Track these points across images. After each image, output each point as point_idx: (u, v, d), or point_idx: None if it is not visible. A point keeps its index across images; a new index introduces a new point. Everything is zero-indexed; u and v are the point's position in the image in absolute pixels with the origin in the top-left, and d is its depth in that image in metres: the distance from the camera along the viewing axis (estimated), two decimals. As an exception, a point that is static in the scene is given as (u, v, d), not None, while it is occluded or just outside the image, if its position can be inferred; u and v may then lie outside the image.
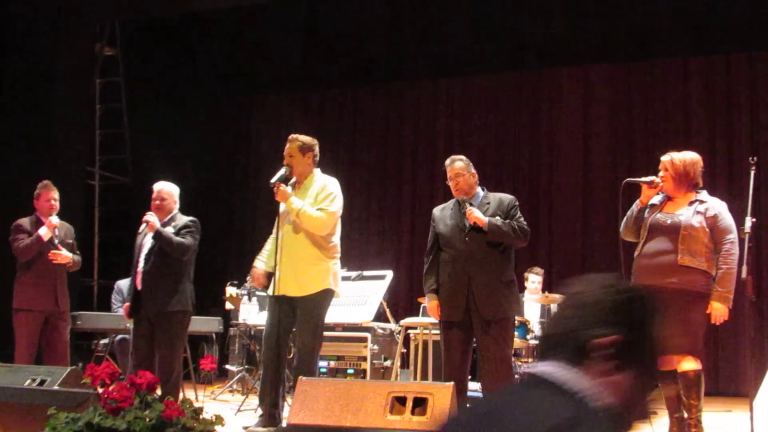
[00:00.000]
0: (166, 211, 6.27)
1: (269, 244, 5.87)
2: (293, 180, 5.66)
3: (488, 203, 5.37)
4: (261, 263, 5.84)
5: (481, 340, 5.28)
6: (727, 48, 10.79)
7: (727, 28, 10.54)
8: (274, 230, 5.84)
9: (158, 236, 6.07)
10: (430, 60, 12.21)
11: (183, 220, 6.30)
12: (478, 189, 5.50)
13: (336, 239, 5.67)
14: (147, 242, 6.22)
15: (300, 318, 5.50)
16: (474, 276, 5.22)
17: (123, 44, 12.41)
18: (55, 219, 6.73)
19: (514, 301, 5.37)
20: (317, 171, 5.73)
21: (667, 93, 11.18)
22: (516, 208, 5.36)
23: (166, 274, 6.10)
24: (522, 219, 5.34)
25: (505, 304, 5.25)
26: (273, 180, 5.47)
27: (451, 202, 5.52)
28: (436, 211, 5.58)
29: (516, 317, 5.54)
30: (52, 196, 6.81)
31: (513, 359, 5.63)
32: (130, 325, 7.29)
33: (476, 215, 5.20)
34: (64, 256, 6.69)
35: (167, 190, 6.36)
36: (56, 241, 6.72)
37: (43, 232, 6.62)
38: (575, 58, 11.53)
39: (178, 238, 6.13)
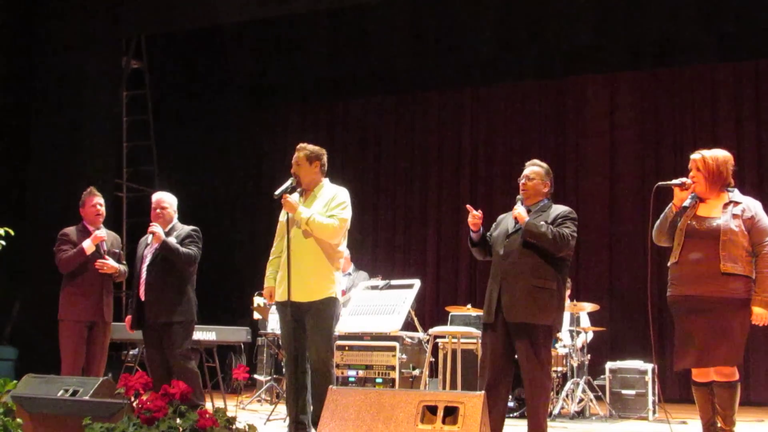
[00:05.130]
0: (167, 220, 6.31)
1: (274, 264, 5.75)
2: (300, 189, 5.63)
3: (545, 211, 5.31)
4: (272, 281, 5.70)
5: (515, 347, 5.21)
6: (755, 55, 10.71)
7: (755, 35, 10.45)
8: (275, 244, 5.79)
9: (165, 247, 6.07)
10: (455, 69, 12.22)
11: (184, 229, 6.31)
12: (545, 199, 5.42)
13: (343, 248, 5.66)
14: (149, 253, 6.23)
15: (311, 327, 5.40)
16: (505, 278, 5.18)
17: (149, 57, 12.51)
18: (101, 232, 6.61)
19: (550, 308, 5.13)
20: (326, 180, 5.71)
21: (694, 101, 11.11)
22: (564, 218, 5.22)
23: (169, 284, 6.12)
24: (567, 229, 5.18)
25: (533, 309, 5.07)
26: (278, 192, 5.46)
27: None
28: (501, 216, 5.56)
29: (550, 325, 5.29)
30: (97, 201, 6.68)
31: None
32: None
33: (519, 211, 5.19)
34: (111, 266, 6.54)
35: (167, 199, 6.40)
36: (103, 251, 6.59)
37: (87, 245, 6.48)
38: (601, 66, 11.50)
39: (184, 249, 6.14)
